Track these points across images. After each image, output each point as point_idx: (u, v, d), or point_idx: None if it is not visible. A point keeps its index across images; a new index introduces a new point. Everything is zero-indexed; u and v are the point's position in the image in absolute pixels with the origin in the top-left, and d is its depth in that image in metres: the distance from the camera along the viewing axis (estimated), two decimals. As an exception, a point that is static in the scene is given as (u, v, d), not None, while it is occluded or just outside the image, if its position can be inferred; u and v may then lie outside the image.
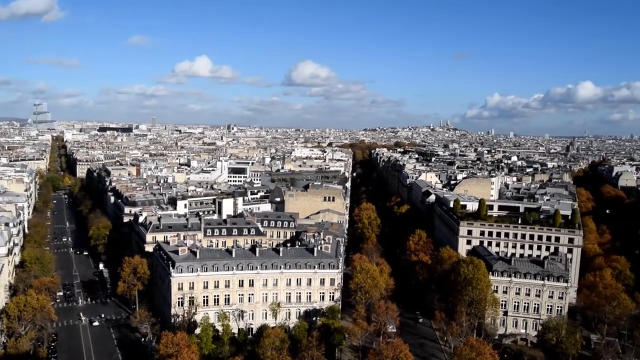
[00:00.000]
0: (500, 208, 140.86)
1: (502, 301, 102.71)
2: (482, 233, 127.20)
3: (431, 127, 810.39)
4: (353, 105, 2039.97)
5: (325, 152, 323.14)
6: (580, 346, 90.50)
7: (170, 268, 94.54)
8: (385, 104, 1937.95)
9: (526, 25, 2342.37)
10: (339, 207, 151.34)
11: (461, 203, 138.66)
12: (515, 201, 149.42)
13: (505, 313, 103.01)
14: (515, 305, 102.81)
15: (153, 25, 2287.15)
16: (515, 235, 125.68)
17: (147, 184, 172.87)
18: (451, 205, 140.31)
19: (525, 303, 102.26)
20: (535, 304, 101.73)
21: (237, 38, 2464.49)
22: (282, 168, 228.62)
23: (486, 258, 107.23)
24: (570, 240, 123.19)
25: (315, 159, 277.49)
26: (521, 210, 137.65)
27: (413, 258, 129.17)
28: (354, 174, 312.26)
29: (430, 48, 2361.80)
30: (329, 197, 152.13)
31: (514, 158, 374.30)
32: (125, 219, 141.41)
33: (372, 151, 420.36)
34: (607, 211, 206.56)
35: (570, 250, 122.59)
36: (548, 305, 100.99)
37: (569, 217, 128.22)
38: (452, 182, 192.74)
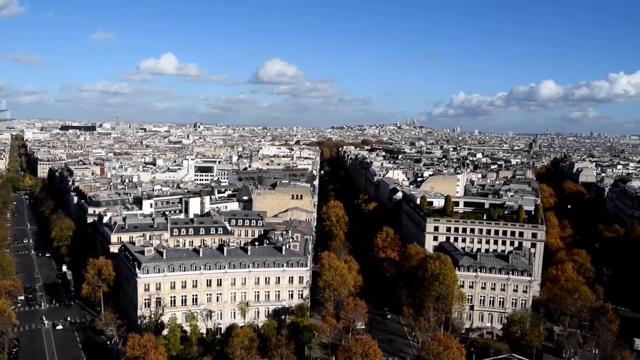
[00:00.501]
0: (466, 204, 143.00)
1: (469, 296, 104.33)
2: (449, 229, 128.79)
3: (398, 125, 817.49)
4: (320, 103, 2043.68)
5: (292, 150, 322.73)
6: (544, 338, 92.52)
7: (136, 269, 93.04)
8: (352, 102, 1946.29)
9: (491, 25, 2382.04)
10: (307, 205, 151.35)
11: (428, 200, 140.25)
12: (481, 197, 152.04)
13: (472, 307, 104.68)
14: (481, 299, 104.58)
15: (116, 21, 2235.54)
16: (481, 230, 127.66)
17: (111, 184, 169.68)
18: (418, 202, 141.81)
19: (490, 297, 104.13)
20: (500, 298, 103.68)
21: (203, 35, 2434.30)
22: (250, 166, 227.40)
23: (452, 254, 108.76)
24: (534, 235, 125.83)
25: (283, 157, 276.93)
26: (486, 206, 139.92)
27: (381, 255, 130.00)
28: (322, 172, 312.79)
29: (398, 47, 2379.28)
30: (297, 195, 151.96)
31: (479, 155, 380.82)
32: (89, 220, 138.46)
33: (340, 149, 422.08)
34: (569, 206, 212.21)
35: (533, 245, 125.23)
36: (513, 299, 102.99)
37: (532, 213, 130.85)
38: (419, 179, 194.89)
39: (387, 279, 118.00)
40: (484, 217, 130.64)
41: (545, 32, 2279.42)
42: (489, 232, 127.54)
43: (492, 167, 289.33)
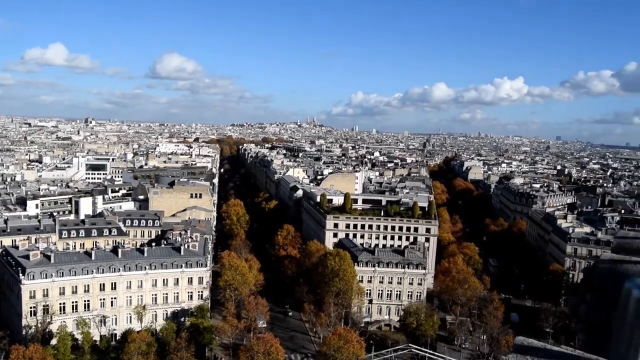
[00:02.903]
0: (365, 201, 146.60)
1: (367, 290, 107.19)
2: (348, 226, 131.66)
3: (298, 124, 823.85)
4: (221, 100, 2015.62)
5: (191, 147, 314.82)
6: (438, 327, 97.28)
7: (20, 275, 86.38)
8: (253, 99, 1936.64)
9: (391, 26, 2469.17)
10: (206, 204, 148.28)
11: (327, 197, 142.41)
12: (378, 195, 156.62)
13: (370, 301, 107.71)
14: (379, 293, 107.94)
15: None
16: (379, 227, 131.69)
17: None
18: (318, 199, 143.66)
19: (388, 290, 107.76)
20: (397, 291, 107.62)
21: (96, 25, 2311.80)
22: (146, 164, 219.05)
23: (351, 250, 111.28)
24: (428, 230, 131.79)
25: (181, 154, 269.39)
26: (383, 203, 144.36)
27: (282, 253, 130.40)
28: (222, 170, 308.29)
29: (300, 46, 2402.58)
30: (196, 194, 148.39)
31: (377, 154, 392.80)
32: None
33: (240, 147, 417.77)
34: (459, 202, 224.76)
35: (427, 239, 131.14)
36: (409, 292, 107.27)
37: (426, 209, 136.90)
38: (319, 177, 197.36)
39: (289, 276, 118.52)
40: (382, 214, 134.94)
41: (438, 37, 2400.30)
42: (386, 227, 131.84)
43: (389, 165, 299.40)
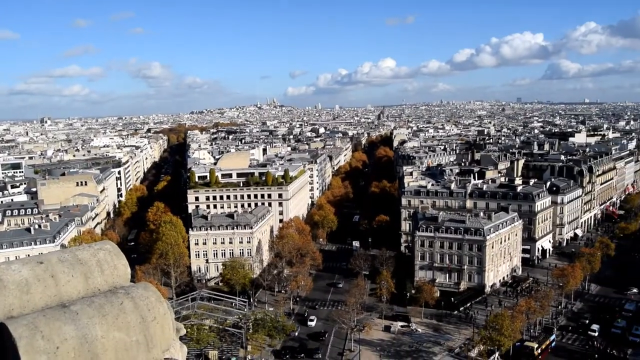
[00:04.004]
0: (239, 175, 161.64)
1: (204, 251, 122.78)
2: (208, 198, 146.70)
3: (258, 106, 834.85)
4: (185, 90, 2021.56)
5: (124, 139, 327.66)
6: (251, 279, 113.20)
7: None
8: (211, 85, 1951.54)
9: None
10: (92, 190, 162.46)
11: (197, 174, 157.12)
12: (254, 168, 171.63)
13: (207, 261, 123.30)
14: (214, 253, 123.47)
15: None
16: (236, 196, 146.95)
17: None
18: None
19: (222, 250, 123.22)
20: (230, 250, 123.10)
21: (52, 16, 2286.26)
22: (62, 159, 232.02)
23: (193, 217, 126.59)
24: (280, 195, 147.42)
25: (117, 147, 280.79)
26: (256, 174, 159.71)
27: (151, 227, 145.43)
28: (157, 159, 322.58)
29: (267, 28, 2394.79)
30: (82, 182, 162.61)
31: (322, 129, 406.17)
32: None
33: (187, 134, 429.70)
34: (366, 170, 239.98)
35: (280, 204, 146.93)
36: (240, 249, 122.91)
37: (282, 177, 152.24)
38: (217, 157, 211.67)
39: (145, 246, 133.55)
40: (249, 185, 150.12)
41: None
42: (242, 197, 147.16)
43: (315, 139, 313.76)
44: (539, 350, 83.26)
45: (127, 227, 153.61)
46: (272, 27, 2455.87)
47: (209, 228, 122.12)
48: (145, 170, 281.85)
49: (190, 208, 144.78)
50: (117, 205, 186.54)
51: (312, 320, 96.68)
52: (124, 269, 5.79)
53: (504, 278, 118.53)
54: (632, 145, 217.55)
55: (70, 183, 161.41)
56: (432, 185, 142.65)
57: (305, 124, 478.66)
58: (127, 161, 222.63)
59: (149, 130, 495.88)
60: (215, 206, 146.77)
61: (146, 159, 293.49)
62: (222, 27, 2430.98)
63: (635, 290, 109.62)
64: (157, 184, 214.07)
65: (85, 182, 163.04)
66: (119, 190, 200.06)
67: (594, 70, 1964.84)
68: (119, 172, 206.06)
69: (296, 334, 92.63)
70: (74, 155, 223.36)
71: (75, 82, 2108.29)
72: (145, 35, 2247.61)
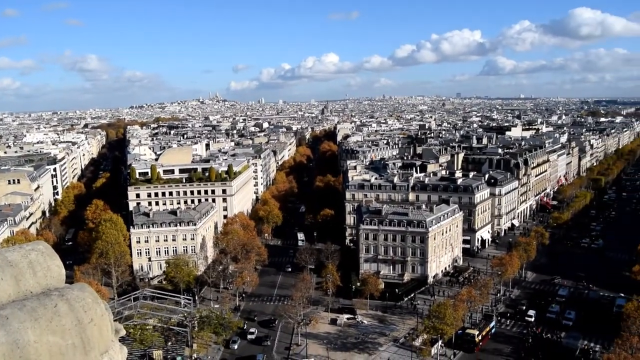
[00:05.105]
0: (181, 171, 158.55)
1: (146, 249, 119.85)
2: (149, 195, 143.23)
3: (201, 100, 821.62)
4: (126, 84, 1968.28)
5: (59, 135, 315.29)
6: (195, 276, 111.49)
7: None
8: (150, 79, 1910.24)
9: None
10: (25, 188, 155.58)
11: (137, 171, 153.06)
12: (196, 164, 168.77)
13: (150, 259, 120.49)
14: (157, 250, 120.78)
15: None
16: (178, 192, 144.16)
17: None
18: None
19: (165, 248, 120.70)
20: (173, 247, 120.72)
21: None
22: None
23: (134, 215, 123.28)
24: (224, 191, 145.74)
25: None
26: (199, 170, 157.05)
27: (90, 225, 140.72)
28: (96, 155, 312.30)
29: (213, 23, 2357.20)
30: (14, 180, 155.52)
31: (266, 124, 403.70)
32: None
33: (127, 130, 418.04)
34: (310, 164, 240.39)
35: (225, 200, 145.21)
36: (183, 247, 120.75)
37: (226, 173, 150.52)
38: (159, 152, 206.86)
39: (83, 246, 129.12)
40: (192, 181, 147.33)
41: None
42: (185, 193, 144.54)
43: (259, 134, 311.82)
44: (480, 337, 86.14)
45: (65, 227, 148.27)
46: (214, 20, 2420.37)
47: (151, 225, 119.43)
48: (83, 167, 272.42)
49: (131, 205, 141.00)
50: (53, 204, 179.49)
51: (252, 334, 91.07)
52: (58, 270, 5.55)
53: (446, 268, 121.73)
54: (563, 138, 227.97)
55: (1, 181, 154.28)
56: (376, 179, 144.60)
57: (249, 119, 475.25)
58: (63, 158, 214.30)
59: (86, 126, 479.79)
60: (157, 203, 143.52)
61: (84, 155, 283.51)
62: (163, 19, 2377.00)
63: (559, 278, 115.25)
64: (96, 181, 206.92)
65: (18, 180, 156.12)
66: (55, 188, 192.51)
67: (528, 67, 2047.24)
68: (55, 170, 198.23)
69: (236, 346, 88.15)
70: (5, 152, 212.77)
71: (5, 75, 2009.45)
72: (81, 27, 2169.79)
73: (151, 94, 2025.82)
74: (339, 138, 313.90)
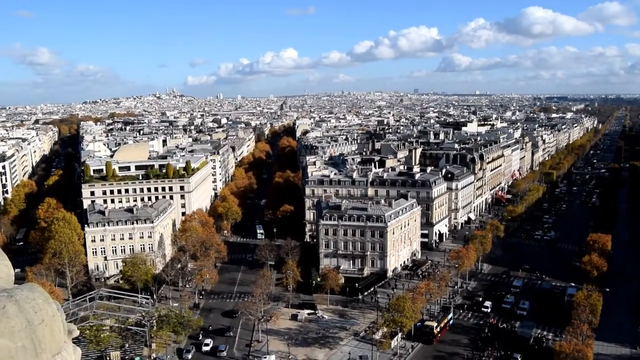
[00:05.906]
0: (137, 167, 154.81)
1: (102, 248, 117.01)
2: (105, 192, 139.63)
3: (157, 96, 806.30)
4: (79, 78, 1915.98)
5: (7, 131, 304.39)
6: (153, 274, 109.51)
7: None
8: (98, 73, 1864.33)
9: None
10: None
11: (92, 167, 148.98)
12: (154, 160, 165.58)
13: (106, 258, 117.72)
14: (113, 249, 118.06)
15: None
16: (135, 190, 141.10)
17: None
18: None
19: (121, 246, 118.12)
20: (130, 246, 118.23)
21: None
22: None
23: (88, 213, 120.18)
24: (182, 188, 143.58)
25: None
26: (156, 166, 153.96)
27: (42, 224, 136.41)
28: (48, 152, 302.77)
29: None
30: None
31: (224, 120, 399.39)
32: None
33: (80, 125, 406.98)
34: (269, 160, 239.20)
35: (182, 196, 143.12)
36: (141, 245, 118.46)
37: (184, 169, 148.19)
38: (114, 148, 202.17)
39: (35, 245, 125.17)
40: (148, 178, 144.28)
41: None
42: (142, 190, 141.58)
43: (218, 130, 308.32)
44: (438, 329, 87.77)
45: (15, 226, 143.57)
46: (169, 13, 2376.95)
47: (106, 224, 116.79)
48: (34, 164, 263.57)
49: (86, 203, 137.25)
50: (2, 203, 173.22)
51: (207, 345, 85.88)
52: (6, 270, 5.32)
53: (404, 262, 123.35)
54: (517, 134, 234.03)
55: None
56: (335, 174, 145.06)
57: (207, 115, 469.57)
58: (12, 155, 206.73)
59: (37, 121, 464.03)
60: (113, 201, 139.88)
61: (35, 152, 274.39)
62: (117, 11, 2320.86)
63: (505, 269, 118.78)
64: (48, 179, 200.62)
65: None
66: (4, 186, 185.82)
67: (483, 64, 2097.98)
68: (4, 167, 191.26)
69: (190, 356, 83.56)
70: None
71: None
72: (31, 19, 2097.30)
73: (105, 88, 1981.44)
74: (298, 134, 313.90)
